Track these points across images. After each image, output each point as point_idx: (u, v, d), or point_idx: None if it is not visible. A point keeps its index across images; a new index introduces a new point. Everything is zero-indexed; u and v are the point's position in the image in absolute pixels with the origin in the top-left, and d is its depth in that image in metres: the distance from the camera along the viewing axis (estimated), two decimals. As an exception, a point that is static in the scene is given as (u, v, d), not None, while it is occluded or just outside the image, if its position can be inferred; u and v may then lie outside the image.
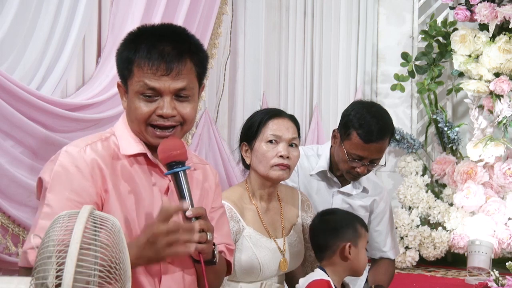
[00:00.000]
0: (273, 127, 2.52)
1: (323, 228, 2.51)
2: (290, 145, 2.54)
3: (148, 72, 1.84)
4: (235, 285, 2.53)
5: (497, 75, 4.45)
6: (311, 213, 2.74)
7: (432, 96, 4.92)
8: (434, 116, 4.88)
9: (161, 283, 1.90)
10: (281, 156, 2.50)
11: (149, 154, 1.91)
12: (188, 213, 1.77)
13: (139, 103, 1.87)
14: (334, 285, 2.41)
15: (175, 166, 1.82)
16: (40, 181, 1.85)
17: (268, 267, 2.52)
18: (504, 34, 4.44)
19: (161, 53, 1.84)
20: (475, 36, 4.52)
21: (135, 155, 1.90)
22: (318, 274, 2.44)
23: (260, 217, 2.54)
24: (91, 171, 1.81)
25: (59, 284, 1.34)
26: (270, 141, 2.52)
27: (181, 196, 1.81)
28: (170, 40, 1.87)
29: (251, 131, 2.57)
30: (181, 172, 1.82)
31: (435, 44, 4.83)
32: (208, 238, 1.80)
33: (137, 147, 1.91)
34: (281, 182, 2.84)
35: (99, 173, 1.82)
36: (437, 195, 4.70)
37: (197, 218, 1.79)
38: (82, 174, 1.81)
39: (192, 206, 1.80)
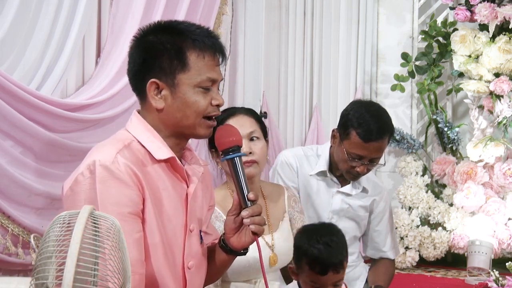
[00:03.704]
0: None
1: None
2: (251, 139, 2.52)
3: (209, 63, 1.85)
4: (227, 286, 2.52)
5: (497, 75, 4.44)
6: (298, 208, 2.73)
7: (432, 97, 4.92)
8: (434, 117, 4.87)
9: None
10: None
11: (176, 158, 1.89)
12: (250, 196, 1.88)
13: (197, 96, 1.84)
14: None
15: (231, 152, 1.87)
16: (73, 195, 1.78)
17: (257, 263, 2.50)
18: (504, 34, 4.44)
19: (216, 44, 1.87)
20: (475, 37, 4.52)
21: (159, 161, 1.86)
22: (290, 286, 2.39)
23: None
24: (130, 178, 1.77)
25: (59, 284, 1.34)
26: None
27: (238, 181, 1.88)
28: (212, 33, 1.90)
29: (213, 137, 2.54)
30: (237, 158, 1.88)
31: (435, 45, 4.83)
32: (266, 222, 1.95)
33: (167, 151, 1.86)
34: (277, 182, 2.84)
35: (136, 180, 1.78)
36: (437, 195, 4.70)
37: (252, 202, 1.89)
38: (125, 184, 1.76)
39: (248, 191, 1.89)
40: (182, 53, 1.83)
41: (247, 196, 1.89)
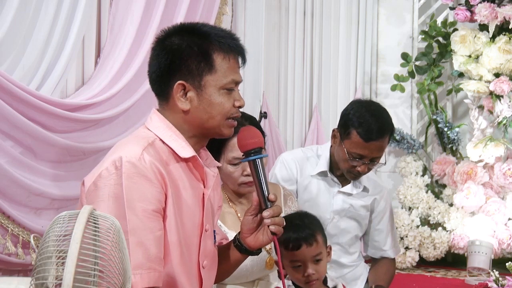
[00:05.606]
0: (233, 149, 2.45)
1: None
2: None
3: (233, 65, 1.88)
4: (223, 287, 2.52)
5: (497, 75, 4.45)
6: (294, 207, 2.72)
7: (432, 97, 4.92)
8: (434, 117, 4.88)
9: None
10: (247, 175, 2.48)
11: (198, 158, 1.90)
12: (271, 197, 1.90)
13: (222, 98, 1.86)
14: None
15: (253, 153, 1.89)
16: (96, 190, 1.78)
17: (255, 267, 2.51)
18: (504, 35, 4.44)
19: (239, 47, 1.90)
20: (475, 37, 4.52)
21: (181, 160, 1.87)
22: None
23: (240, 219, 2.52)
24: (155, 176, 1.78)
25: (59, 284, 1.34)
26: (234, 164, 2.49)
27: (259, 182, 1.90)
28: (235, 35, 1.92)
29: (214, 149, 2.51)
30: (258, 159, 1.90)
31: (435, 45, 4.83)
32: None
33: (190, 150, 1.88)
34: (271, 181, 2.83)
35: (161, 178, 1.80)
36: (437, 196, 4.70)
37: (272, 203, 1.91)
38: (150, 182, 1.77)
39: (269, 192, 1.91)
40: (209, 55, 1.85)
41: (267, 197, 1.91)
